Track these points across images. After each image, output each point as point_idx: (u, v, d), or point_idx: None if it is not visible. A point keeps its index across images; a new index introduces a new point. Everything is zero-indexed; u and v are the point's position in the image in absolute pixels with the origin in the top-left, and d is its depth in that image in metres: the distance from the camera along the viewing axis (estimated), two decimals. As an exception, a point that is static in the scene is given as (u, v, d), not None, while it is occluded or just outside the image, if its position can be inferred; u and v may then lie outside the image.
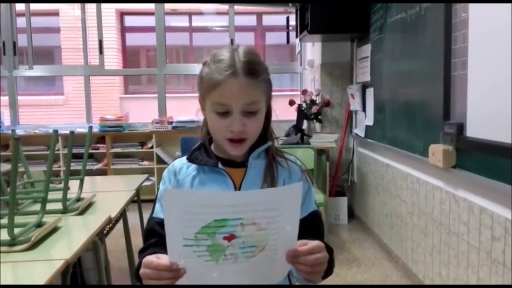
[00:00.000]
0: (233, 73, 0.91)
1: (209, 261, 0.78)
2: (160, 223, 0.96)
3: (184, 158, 1.04)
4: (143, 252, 0.93)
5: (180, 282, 0.80)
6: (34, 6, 5.59)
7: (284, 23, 5.06)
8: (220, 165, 0.99)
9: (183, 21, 9.14)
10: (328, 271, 0.90)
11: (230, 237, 0.77)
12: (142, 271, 0.83)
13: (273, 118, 1.05)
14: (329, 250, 0.89)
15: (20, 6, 5.42)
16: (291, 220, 0.80)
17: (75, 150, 2.16)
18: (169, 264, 0.79)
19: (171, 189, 0.96)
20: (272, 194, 0.81)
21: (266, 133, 1.02)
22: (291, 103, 4.69)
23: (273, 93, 1.02)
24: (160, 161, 5.21)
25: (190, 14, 9.07)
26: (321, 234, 1.00)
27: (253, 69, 0.93)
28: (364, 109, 3.93)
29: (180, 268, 0.79)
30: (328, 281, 0.98)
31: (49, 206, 1.77)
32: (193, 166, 1.01)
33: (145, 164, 5.30)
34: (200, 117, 1.05)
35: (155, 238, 0.96)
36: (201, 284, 0.83)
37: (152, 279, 0.81)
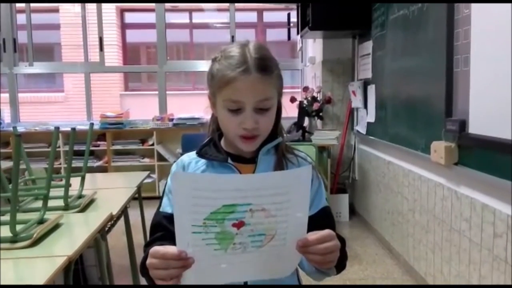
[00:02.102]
0: (245, 70, 0.89)
1: (217, 250, 0.77)
2: (167, 217, 0.95)
3: (193, 153, 1.03)
4: (149, 246, 0.91)
5: (187, 273, 0.78)
6: (34, 3, 5.57)
7: (285, 19, 5.05)
8: (229, 160, 0.98)
9: (183, 18, 9.13)
10: (342, 263, 0.89)
11: (239, 224, 0.76)
12: (148, 261, 0.80)
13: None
14: (341, 240, 0.87)
15: (20, 3, 5.41)
16: (301, 206, 0.78)
17: (75, 147, 2.15)
18: (177, 253, 0.76)
19: (180, 172, 0.95)
20: (281, 177, 0.80)
21: (276, 129, 1.00)
22: (292, 100, 4.68)
23: None
24: (161, 158, 5.21)
25: (190, 11, 9.06)
26: (332, 229, 1.00)
27: (266, 65, 0.92)
28: (365, 106, 3.92)
29: (189, 257, 0.76)
30: (329, 279, 0.97)
31: (51, 203, 1.77)
32: (202, 161, 1.00)
33: (146, 161, 5.30)
34: (208, 115, 1.04)
35: (161, 232, 0.95)
36: (209, 275, 0.81)
37: (159, 269, 0.79)
